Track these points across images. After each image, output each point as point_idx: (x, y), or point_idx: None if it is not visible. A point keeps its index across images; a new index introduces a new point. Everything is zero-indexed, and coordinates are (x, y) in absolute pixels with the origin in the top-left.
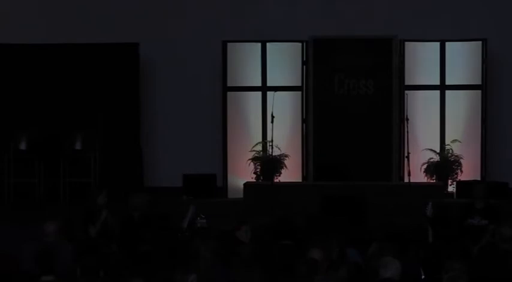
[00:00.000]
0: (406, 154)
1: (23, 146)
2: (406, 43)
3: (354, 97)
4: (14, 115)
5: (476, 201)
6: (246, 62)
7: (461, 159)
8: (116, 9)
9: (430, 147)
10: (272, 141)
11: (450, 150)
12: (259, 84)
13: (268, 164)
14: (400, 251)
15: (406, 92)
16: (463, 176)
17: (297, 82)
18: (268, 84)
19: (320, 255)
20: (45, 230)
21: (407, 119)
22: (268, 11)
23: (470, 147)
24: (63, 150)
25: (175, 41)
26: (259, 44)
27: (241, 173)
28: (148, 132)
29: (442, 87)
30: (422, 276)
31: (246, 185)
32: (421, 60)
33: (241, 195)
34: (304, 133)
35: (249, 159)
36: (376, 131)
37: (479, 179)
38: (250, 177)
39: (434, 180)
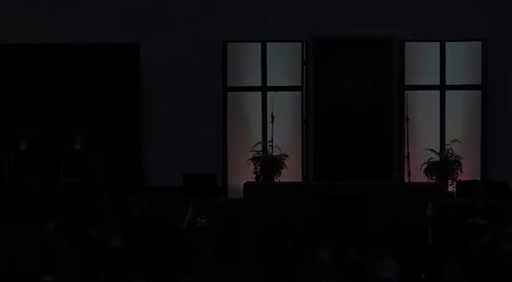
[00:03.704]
0: (406, 154)
1: (23, 146)
2: (406, 43)
3: (354, 97)
4: (14, 115)
5: (476, 201)
6: (246, 62)
7: (461, 159)
8: (116, 9)
9: (430, 147)
10: (272, 141)
11: (450, 150)
12: (259, 84)
13: (268, 164)
14: (400, 251)
15: (406, 92)
16: (463, 176)
17: (297, 82)
18: (268, 84)
19: (329, 257)
20: (45, 230)
21: (407, 119)
22: (268, 11)
23: (470, 147)
24: (63, 150)
25: (175, 41)
26: (259, 44)
27: (241, 173)
28: (148, 132)
29: (442, 87)
30: (423, 276)
31: (246, 185)
32: (421, 60)
33: (241, 195)
34: (304, 133)
35: (249, 159)
36: (376, 131)
37: (479, 179)
38: (250, 177)
39: (434, 180)
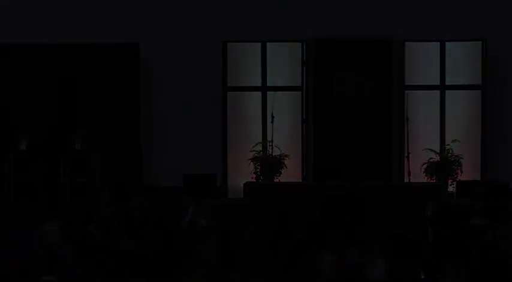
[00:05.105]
0: (406, 154)
1: (23, 146)
2: (406, 43)
3: (354, 97)
4: (14, 115)
5: (476, 201)
6: (246, 62)
7: (461, 159)
8: (116, 9)
9: (430, 147)
10: (272, 141)
11: (450, 150)
12: (259, 84)
13: (268, 164)
14: (400, 251)
15: (406, 92)
16: (463, 176)
17: (297, 82)
18: (268, 84)
19: (330, 257)
20: (45, 230)
21: (407, 119)
22: (268, 11)
23: (470, 147)
24: (63, 150)
25: (175, 41)
26: (259, 44)
27: (241, 173)
28: (148, 132)
29: (442, 87)
30: (422, 276)
31: (246, 185)
32: (421, 60)
33: (241, 195)
34: (304, 133)
35: (249, 159)
36: (376, 131)
37: (479, 179)
38: (250, 177)
39: (434, 180)
